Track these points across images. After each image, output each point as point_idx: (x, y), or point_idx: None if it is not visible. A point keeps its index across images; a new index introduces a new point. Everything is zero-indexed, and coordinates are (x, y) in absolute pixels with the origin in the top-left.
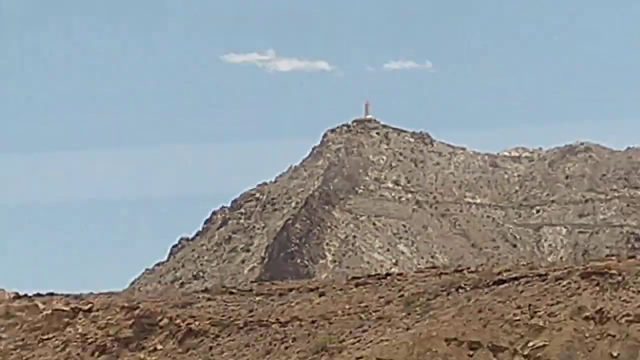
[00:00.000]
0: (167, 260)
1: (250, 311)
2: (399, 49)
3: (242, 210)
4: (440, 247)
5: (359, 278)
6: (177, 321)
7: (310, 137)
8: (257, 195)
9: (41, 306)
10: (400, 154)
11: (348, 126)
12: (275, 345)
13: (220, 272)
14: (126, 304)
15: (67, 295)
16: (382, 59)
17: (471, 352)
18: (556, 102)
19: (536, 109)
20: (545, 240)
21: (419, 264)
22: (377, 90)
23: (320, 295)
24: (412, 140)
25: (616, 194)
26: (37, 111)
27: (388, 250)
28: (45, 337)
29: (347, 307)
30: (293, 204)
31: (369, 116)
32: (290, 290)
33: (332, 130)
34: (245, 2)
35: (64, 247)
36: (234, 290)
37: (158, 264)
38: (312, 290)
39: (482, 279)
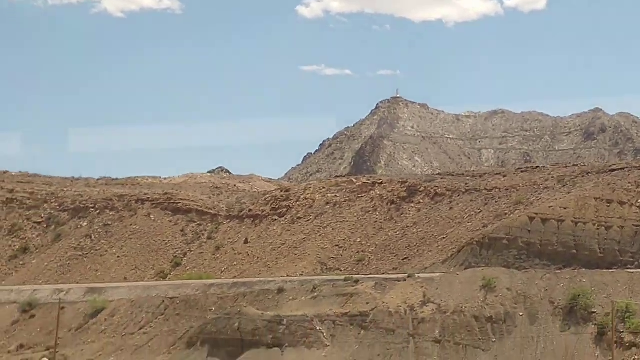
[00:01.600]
0: (302, 163)
1: (466, 184)
2: None
3: (339, 139)
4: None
5: (522, 168)
6: (429, 188)
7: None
8: (345, 132)
9: (355, 180)
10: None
11: (389, 100)
12: (487, 201)
13: (329, 169)
14: (400, 179)
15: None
16: None
17: (608, 205)
18: None
19: None
20: None
21: (428, 169)
22: None
23: (503, 176)
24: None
25: None
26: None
27: (410, 160)
28: (360, 196)
29: (522, 182)
30: (363, 137)
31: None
32: (484, 174)
33: (381, 101)
34: None
35: None
36: (453, 174)
37: (294, 167)
38: (497, 174)
39: (600, 169)
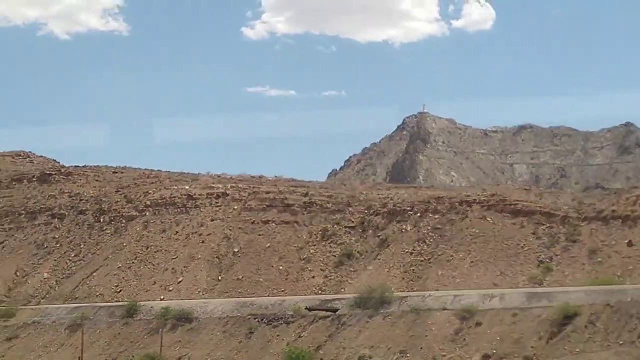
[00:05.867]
0: (327, 179)
1: None
2: None
3: (369, 154)
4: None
5: None
6: None
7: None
8: (375, 148)
9: None
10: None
11: (415, 115)
12: None
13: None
14: None
15: None
16: None
17: None
18: None
19: None
20: None
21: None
22: None
23: None
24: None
25: None
26: None
27: (447, 175)
28: None
29: None
30: (394, 152)
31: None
32: None
33: (408, 116)
34: None
35: None
36: None
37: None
38: None
39: None
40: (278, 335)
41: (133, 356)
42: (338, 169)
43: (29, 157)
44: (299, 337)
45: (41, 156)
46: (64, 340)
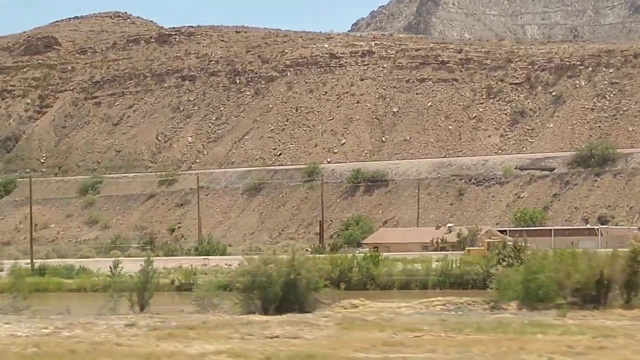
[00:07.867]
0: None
1: None
2: None
3: (378, 18)
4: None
5: None
6: None
7: None
8: (384, 11)
9: None
10: None
11: None
12: None
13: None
14: None
15: None
16: None
17: None
18: None
19: None
20: None
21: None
22: None
23: None
24: None
25: None
26: None
27: (460, 37)
28: None
29: None
30: (404, 15)
31: None
32: None
33: None
34: None
35: None
36: None
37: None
38: None
39: None
40: (493, 197)
41: (332, 220)
42: (346, 32)
43: (129, 18)
44: (518, 197)
45: (138, 17)
46: (244, 205)
